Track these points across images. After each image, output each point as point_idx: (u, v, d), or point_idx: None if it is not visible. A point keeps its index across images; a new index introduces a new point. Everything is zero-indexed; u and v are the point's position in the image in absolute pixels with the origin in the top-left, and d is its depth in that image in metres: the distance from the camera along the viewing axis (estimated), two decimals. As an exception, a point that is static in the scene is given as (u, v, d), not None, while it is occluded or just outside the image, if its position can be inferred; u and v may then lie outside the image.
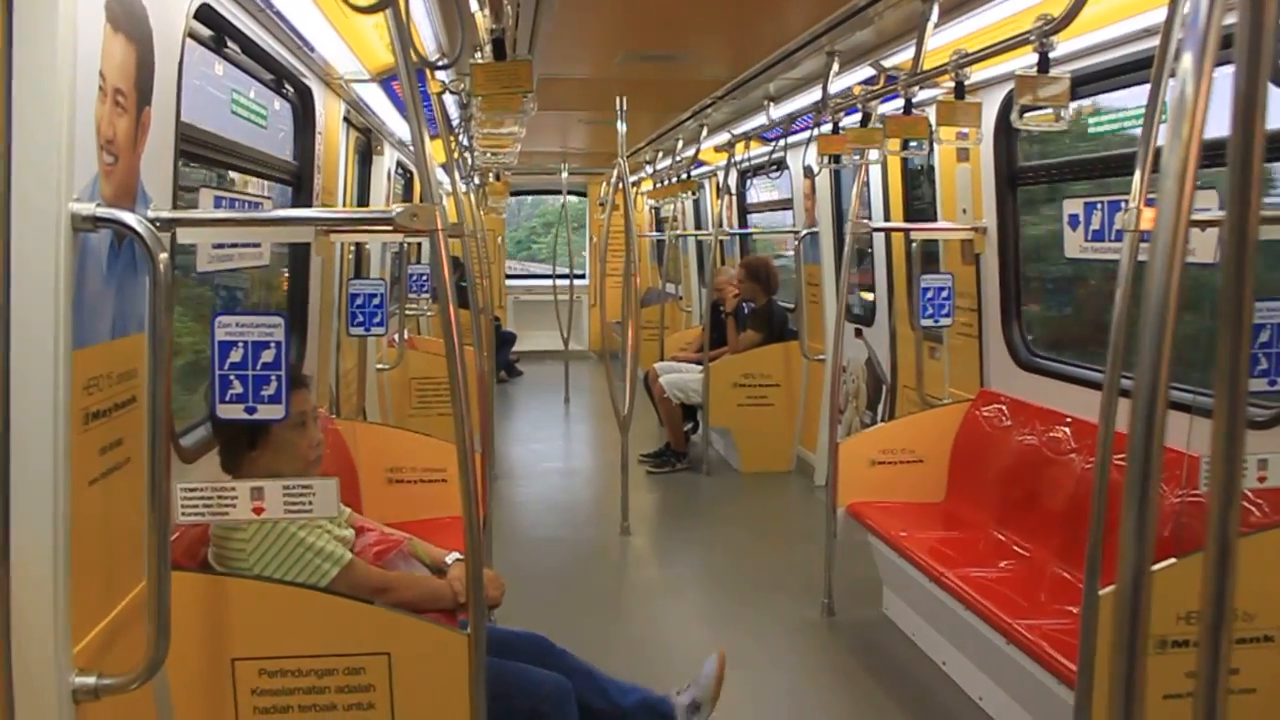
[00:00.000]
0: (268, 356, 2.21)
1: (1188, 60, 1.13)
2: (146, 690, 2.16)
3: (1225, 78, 1.11)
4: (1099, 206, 3.45)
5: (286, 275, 4.48)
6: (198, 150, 3.00)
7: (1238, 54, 1.06)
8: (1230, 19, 1.11)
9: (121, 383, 2.10)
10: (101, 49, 1.93)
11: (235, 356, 2.21)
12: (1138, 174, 2.28)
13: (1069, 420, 4.08)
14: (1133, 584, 1.17)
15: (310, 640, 2.44)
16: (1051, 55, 3.13)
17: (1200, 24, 1.11)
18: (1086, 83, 3.75)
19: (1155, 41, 2.49)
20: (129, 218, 1.92)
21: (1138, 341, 1.19)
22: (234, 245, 2.94)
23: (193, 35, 2.60)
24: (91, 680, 1.93)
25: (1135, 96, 3.76)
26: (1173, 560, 2.50)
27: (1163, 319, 1.15)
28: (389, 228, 2.22)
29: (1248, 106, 1.05)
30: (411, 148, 2.27)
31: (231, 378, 2.21)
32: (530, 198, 16.83)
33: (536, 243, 14.85)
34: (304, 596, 2.50)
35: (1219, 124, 1.11)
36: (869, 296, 6.53)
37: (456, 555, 2.99)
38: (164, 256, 1.97)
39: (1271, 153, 1.08)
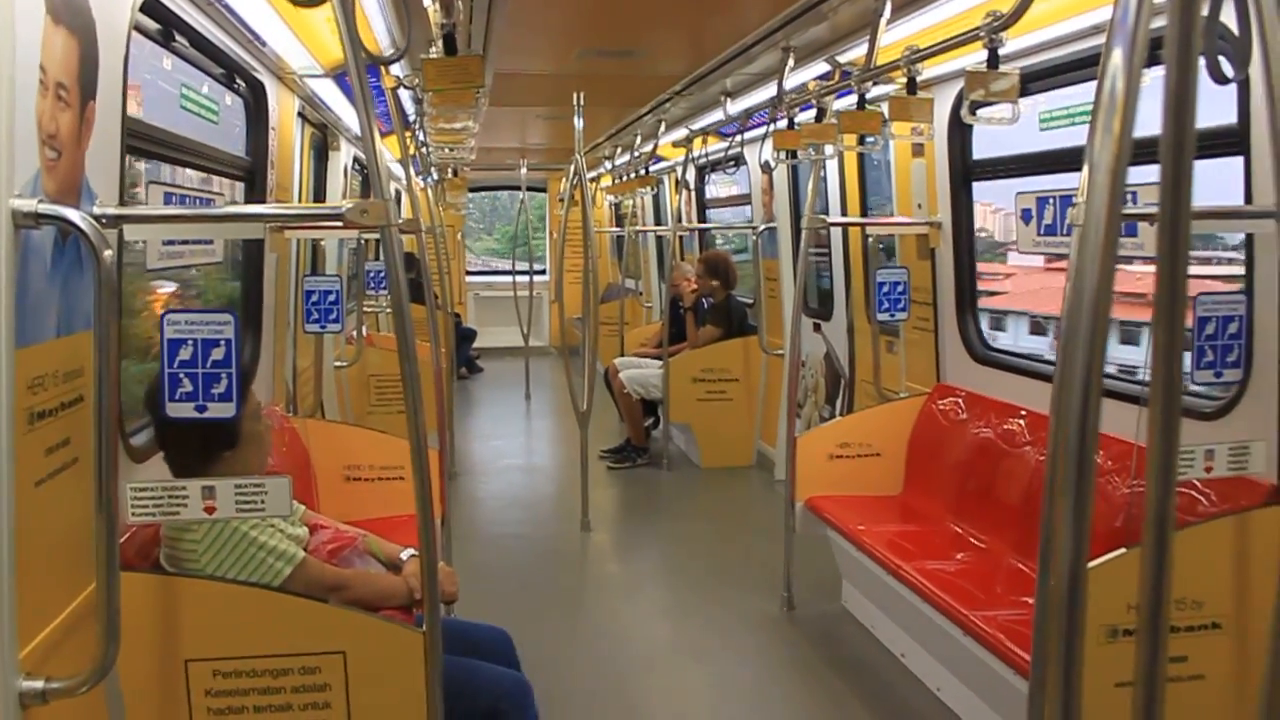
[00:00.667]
0: (218, 354, 2.19)
1: (1118, 57, 1.14)
2: (97, 694, 2.14)
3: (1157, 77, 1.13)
4: (1051, 201, 3.49)
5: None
6: (146, 146, 2.96)
7: (1168, 51, 1.08)
8: (1160, 20, 1.13)
9: (68, 381, 2.07)
10: (42, 42, 1.90)
11: (185, 354, 2.18)
12: (1086, 169, 2.31)
13: (1023, 413, 4.12)
14: (1070, 572, 1.19)
15: (264, 640, 2.42)
16: (1001, 51, 3.16)
17: (1129, 22, 1.13)
18: (1036, 79, 3.80)
19: (1102, 39, 2.53)
20: (72, 214, 1.90)
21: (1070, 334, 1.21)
22: (184, 242, 2.91)
23: (139, 29, 2.57)
24: (39, 684, 1.91)
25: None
26: (1122, 550, 2.53)
27: (1096, 310, 1.17)
28: (340, 224, 2.21)
29: (1179, 103, 1.07)
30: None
31: (181, 376, 2.19)
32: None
33: (533, 239, 14.82)
34: (258, 596, 2.48)
35: (1152, 121, 1.12)
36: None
37: (411, 551, 2.98)
38: (109, 253, 1.94)
39: (1206, 150, 1.10)
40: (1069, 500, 1.20)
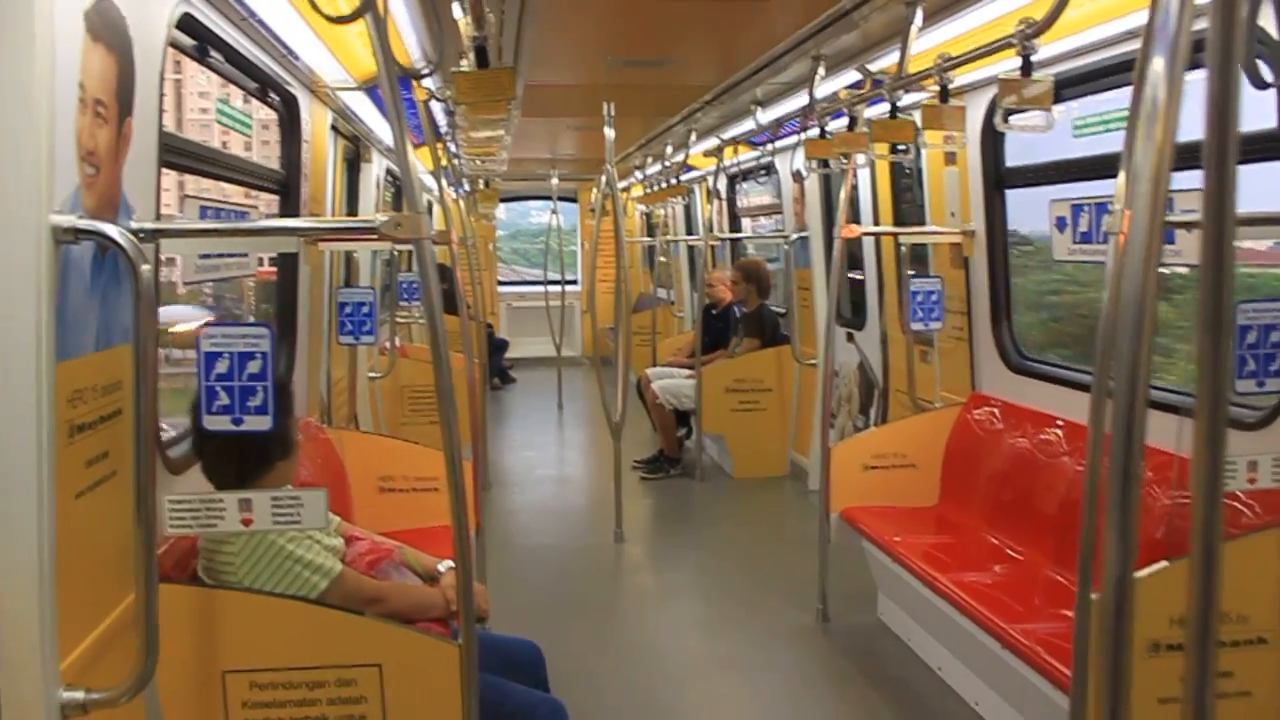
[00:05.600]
0: (254, 367, 2.20)
1: (1159, 64, 1.13)
2: (136, 705, 2.15)
3: (1197, 82, 1.11)
4: (1086, 209, 3.45)
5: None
6: (181, 160, 2.99)
7: (1210, 57, 1.06)
8: (1201, 24, 1.11)
9: (106, 395, 2.09)
10: (80, 59, 1.92)
11: (221, 368, 2.20)
12: (1122, 176, 2.28)
13: (1060, 423, 4.08)
14: (1116, 587, 1.17)
15: (301, 652, 2.43)
16: (1034, 58, 3.13)
17: (1170, 28, 1.11)
18: (1069, 85, 3.76)
19: (1137, 44, 2.51)
20: (110, 229, 1.91)
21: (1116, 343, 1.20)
22: (220, 255, 2.93)
23: (174, 45, 2.60)
24: (80, 695, 1.92)
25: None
26: (1164, 563, 2.50)
27: (1139, 320, 1.15)
28: (374, 236, 2.22)
29: (1221, 109, 1.05)
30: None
31: (218, 389, 2.20)
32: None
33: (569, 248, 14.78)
34: (294, 608, 2.49)
35: (1194, 127, 1.11)
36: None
37: (449, 563, 2.98)
38: (146, 268, 1.96)
39: (1246, 154, 1.08)
40: (1114, 515, 1.18)
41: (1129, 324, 1.16)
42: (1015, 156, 4.51)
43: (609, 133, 5.70)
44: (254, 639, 2.44)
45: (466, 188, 8.72)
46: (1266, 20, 2.54)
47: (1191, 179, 1.63)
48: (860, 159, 4.34)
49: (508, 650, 3.08)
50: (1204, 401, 1.13)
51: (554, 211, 12.23)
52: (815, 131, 4.85)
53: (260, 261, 4.07)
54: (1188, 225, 2.34)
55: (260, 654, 2.43)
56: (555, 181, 11.50)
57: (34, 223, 1.79)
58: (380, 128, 5.48)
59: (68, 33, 1.87)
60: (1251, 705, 2.62)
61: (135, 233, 2.03)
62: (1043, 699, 3.03)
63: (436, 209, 8.59)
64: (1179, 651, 2.54)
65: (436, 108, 5.17)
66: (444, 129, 5.84)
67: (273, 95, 3.92)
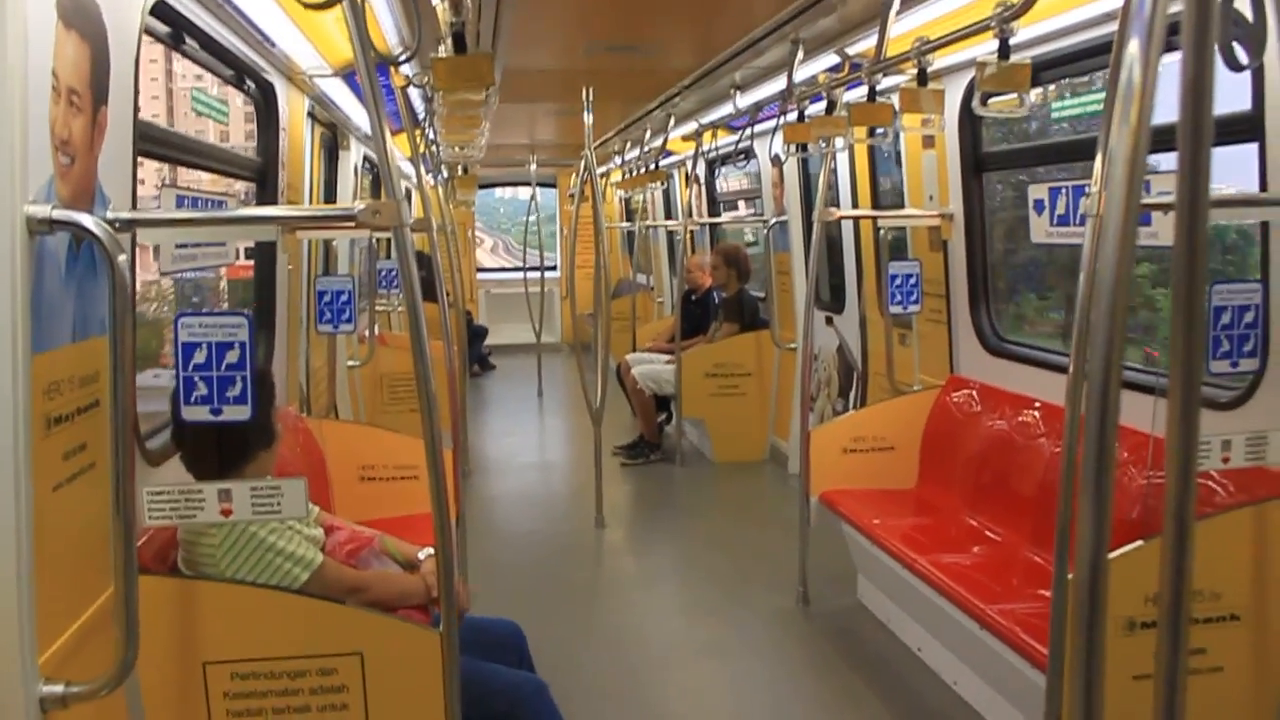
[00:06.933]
0: (232, 357, 2.19)
1: (1134, 47, 1.13)
2: (117, 697, 2.14)
3: (1173, 64, 1.12)
4: (1063, 191, 3.47)
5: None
6: (157, 149, 2.97)
7: (1185, 40, 1.07)
8: (1176, 6, 1.12)
9: (84, 386, 2.07)
10: (54, 48, 1.90)
11: (199, 358, 2.18)
12: (1099, 159, 2.30)
13: (1038, 405, 4.11)
14: (1091, 565, 1.18)
15: (282, 642, 2.43)
16: (1012, 41, 3.14)
17: (1146, 11, 1.12)
18: (1048, 68, 3.77)
19: (1114, 26, 2.51)
20: (86, 219, 1.90)
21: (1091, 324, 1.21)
22: (197, 245, 2.90)
23: (149, 32, 2.57)
24: (59, 688, 1.91)
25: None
26: (1139, 543, 2.52)
27: (1114, 302, 1.16)
28: (353, 224, 2.21)
29: (1196, 92, 1.06)
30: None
31: (196, 379, 2.19)
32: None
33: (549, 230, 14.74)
34: (275, 598, 2.48)
35: (1170, 110, 1.12)
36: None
37: (429, 550, 2.98)
38: (123, 258, 1.94)
39: (1221, 137, 1.09)
40: (1090, 493, 1.19)
41: (1105, 305, 1.17)
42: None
43: (587, 118, 5.69)
44: (234, 629, 2.43)
45: (444, 174, 8.68)
46: (1243, 2, 2.56)
47: (1169, 161, 1.64)
48: (839, 143, 4.33)
49: (489, 632, 3.09)
50: (1177, 381, 1.14)
51: (533, 198, 12.19)
52: (794, 115, 4.85)
53: (237, 254, 4.05)
54: (1164, 207, 2.36)
55: (241, 644, 2.42)
56: (534, 167, 11.45)
57: (8, 213, 1.77)
58: (358, 115, 5.45)
59: (40, 21, 1.85)
60: (1224, 681, 2.66)
61: (111, 223, 2.02)
62: (1020, 678, 3.06)
63: (415, 196, 8.56)
64: (1154, 629, 2.58)
65: (414, 94, 5.14)
66: (421, 115, 5.81)
67: (249, 83, 3.89)
